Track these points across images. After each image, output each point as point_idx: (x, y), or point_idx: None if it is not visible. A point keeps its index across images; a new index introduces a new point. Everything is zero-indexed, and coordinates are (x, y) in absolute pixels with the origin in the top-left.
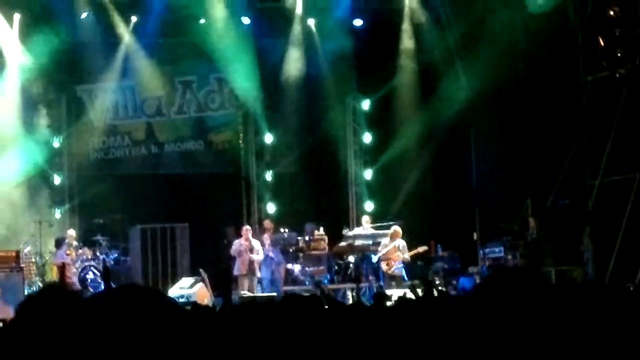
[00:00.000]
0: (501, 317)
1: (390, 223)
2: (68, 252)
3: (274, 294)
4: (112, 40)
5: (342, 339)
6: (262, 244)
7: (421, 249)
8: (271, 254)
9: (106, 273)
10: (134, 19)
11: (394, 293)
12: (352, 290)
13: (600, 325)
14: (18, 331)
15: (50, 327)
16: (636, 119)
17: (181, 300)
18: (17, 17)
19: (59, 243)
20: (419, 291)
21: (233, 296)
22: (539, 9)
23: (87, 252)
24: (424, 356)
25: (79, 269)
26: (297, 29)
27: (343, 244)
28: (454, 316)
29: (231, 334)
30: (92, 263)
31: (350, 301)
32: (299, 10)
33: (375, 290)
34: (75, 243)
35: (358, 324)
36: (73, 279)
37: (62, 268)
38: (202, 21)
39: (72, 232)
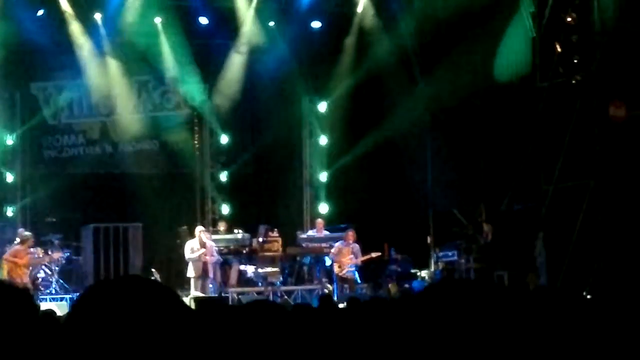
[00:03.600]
0: (450, 319)
1: (344, 226)
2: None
3: (227, 295)
4: (67, 38)
5: (287, 340)
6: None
7: (374, 254)
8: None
9: None
10: (95, 16)
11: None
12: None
13: (553, 332)
14: None
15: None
16: (591, 125)
17: None
18: None
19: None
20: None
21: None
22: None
23: (39, 251)
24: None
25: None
26: (254, 30)
27: (297, 245)
28: (403, 316)
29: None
30: (44, 262)
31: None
32: (253, 11)
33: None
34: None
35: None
36: (24, 278)
37: (13, 264)
38: (157, 20)
39: (23, 231)
